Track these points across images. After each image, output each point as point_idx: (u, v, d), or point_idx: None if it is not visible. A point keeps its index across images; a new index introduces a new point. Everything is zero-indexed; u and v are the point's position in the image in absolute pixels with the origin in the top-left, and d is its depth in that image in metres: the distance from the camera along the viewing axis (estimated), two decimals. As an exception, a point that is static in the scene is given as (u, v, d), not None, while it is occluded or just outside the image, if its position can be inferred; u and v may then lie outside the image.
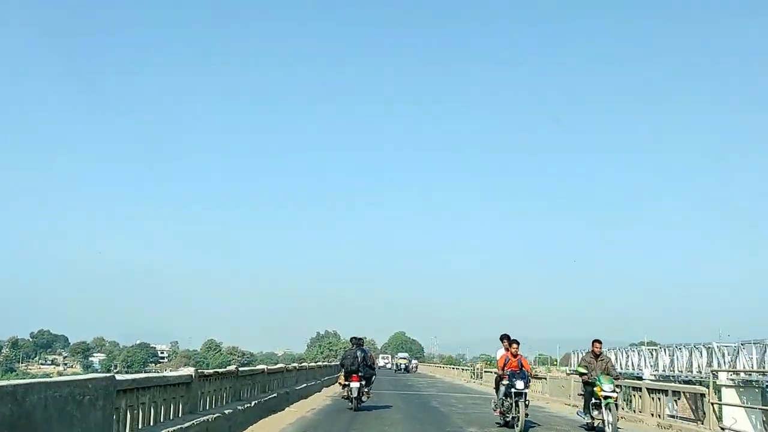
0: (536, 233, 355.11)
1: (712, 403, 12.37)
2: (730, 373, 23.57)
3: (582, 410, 12.91)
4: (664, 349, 31.83)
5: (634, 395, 15.42)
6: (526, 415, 12.23)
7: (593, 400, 12.33)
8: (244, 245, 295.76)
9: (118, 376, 7.17)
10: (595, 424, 12.44)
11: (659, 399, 14.21)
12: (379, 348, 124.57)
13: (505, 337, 13.60)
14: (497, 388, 13.45)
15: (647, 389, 14.71)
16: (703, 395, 13.00)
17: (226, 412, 11.06)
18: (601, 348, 12.56)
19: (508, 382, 12.51)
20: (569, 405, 18.41)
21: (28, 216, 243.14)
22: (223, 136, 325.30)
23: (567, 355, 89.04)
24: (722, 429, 12.23)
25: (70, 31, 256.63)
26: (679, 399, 14.50)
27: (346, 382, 15.45)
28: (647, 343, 70.06)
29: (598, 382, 12.14)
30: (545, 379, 24.76)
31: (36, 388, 4.94)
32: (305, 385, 21.70)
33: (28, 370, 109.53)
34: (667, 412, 14.00)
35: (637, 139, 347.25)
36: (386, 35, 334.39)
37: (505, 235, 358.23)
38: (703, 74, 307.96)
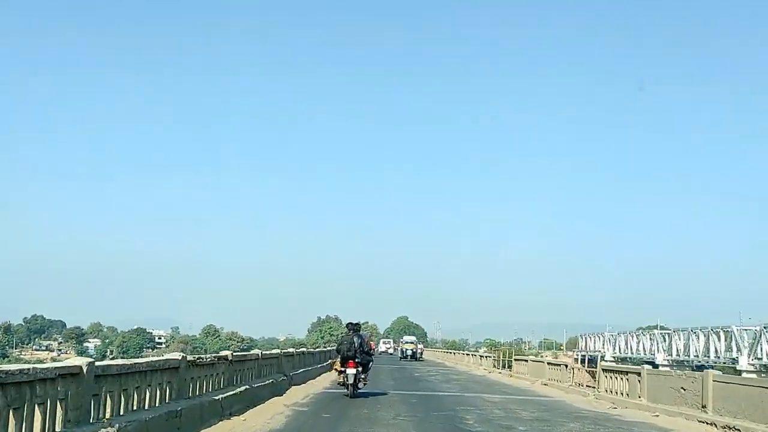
0: (542, 217, 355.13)
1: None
2: (751, 357, 23.08)
3: None
4: (679, 333, 31.30)
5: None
6: None
7: None
8: (247, 231, 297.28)
9: (98, 362, 7.12)
10: None
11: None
12: (382, 333, 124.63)
13: None
14: None
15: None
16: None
17: (217, 398, 10.88)
18: None
19: None
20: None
21: (26, 203, 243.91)
22: (223, 118, 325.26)
23: (574, 340, 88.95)
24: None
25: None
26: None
27: (342, 369, 15.44)
28: (654, 326, 69.58)
29: None
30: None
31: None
32: (303, 370, 21.36)
33: (21, 356, 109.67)
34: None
35: (652, 117, 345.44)
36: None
37: (510, 220, 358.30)
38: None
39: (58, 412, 6.15)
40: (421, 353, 57.56)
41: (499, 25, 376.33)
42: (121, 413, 7.51)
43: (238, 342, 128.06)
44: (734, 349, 25.00)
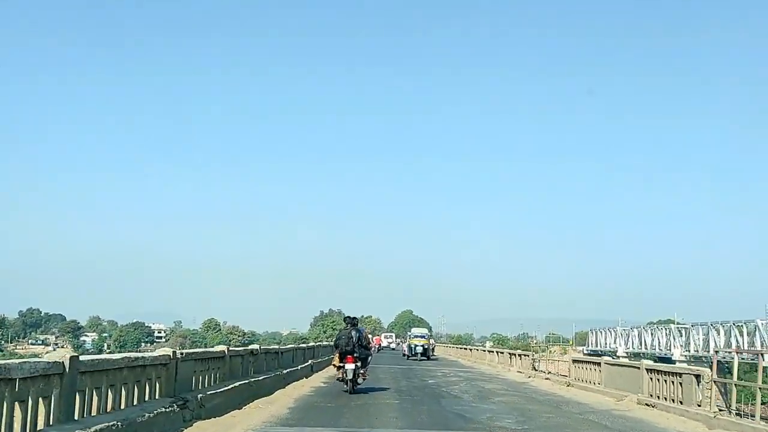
0: (547, 210, 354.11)
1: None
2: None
3: None
4: (698, 328, 30.75)
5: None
6: None
7: None
8: (251, 226, 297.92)
9: (83, 357, 7.01)
10: None
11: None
12: (386, 327, 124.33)
13: None
14: None
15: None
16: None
17: (209, 393, 10.60)
18: None
19: None
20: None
21: (26, 198, 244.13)
22: (222, 108, 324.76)
23: (583, 335, 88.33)
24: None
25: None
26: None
27: (341, 364, 15.42)
28: (667, 321, 68.73)
29: None
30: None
31: None
32: (303, 365, 21.03)
33: (16, 351, 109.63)
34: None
35: (662, 107, 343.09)
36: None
37: (517, 214, 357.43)
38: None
39: (40, 410, 6.02)
40: (433, 350, 46.17)
41: (496, 23, 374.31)
42: (108, 410, 7.40)
43: (239, 336, 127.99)
44: (758, 343, 24.42)
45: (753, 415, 10.94)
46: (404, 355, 43.92)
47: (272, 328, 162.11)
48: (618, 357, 35.93)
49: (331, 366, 17.54)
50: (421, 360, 38.54)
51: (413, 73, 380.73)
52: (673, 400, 13.24)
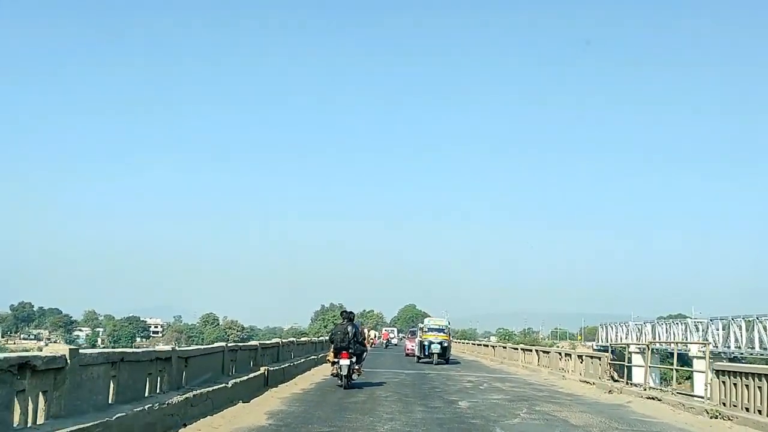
0: (549, 206, 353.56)
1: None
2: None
3: None
4: (717, 322, 30.20)
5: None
6: None
7: None
8: (254, 221, 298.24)
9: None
10: None
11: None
12: (389, 322, 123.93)
13: None
14: None
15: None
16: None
17: (198, 392, 9.74)
18: None
19: None
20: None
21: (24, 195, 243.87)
22: (222, 101, 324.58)
23: (592, 329, 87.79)
24: None
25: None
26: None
27: (336, 359, 15.49)
28: (677, 316, 67.87)
29: None
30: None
31: None
32: (300, 361, 20.35)
33: (6, 346, 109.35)
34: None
35: (672, 97, 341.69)
36: None
37: (523, 207, 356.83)
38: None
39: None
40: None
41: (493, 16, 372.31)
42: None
43: (237, 331, 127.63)
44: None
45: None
46: (408, 355, 35.50)
47: (274, 323, 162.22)
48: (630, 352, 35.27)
49: (326, 361, 17.49)
50: (441, 363, 28.22)
51: (420, 64, 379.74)
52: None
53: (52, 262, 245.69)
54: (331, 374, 16.14)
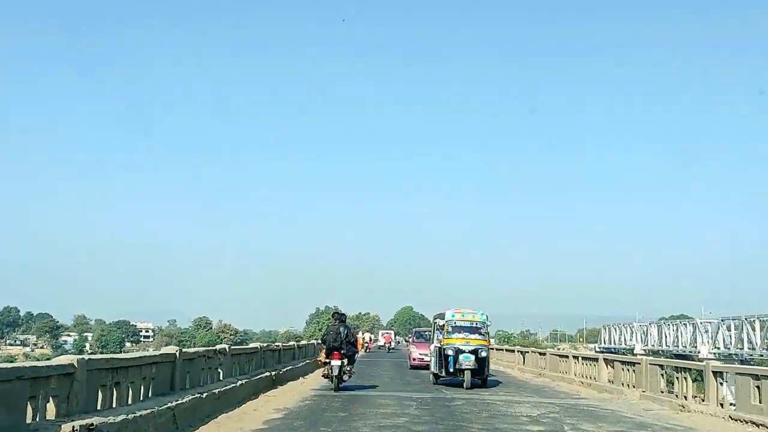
0: (551, 206, 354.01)
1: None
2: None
3: None
4: (729, 322, 29.63)
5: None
6: None
7: None
8: (249, 223, 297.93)
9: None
10: None
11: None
12: (385, 325, 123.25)
13: None
14: None
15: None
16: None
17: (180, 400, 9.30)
18: None
19: None
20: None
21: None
22: (216, 102, 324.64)
23: (594, 331, 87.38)
24: None
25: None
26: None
27: (327, 360, 15.77)
28: (680, 316, 67.15)
29: None
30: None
31: None
32: (291, 366, 19.45)
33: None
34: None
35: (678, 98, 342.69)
36: None
37: (519, 207, 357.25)
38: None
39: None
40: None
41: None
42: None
43: (231, 335, 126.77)
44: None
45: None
46: (414, 367, 26.21)
47: (270, 326, 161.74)
48: (634, 354, 34.80)
49: (317, 361, 17.70)
50: (470, 387, 17.74)
51: (415, 72, 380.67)
52: None
53: (43, 266, 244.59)
54: (322, 375, 16.38)
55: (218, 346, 13.43)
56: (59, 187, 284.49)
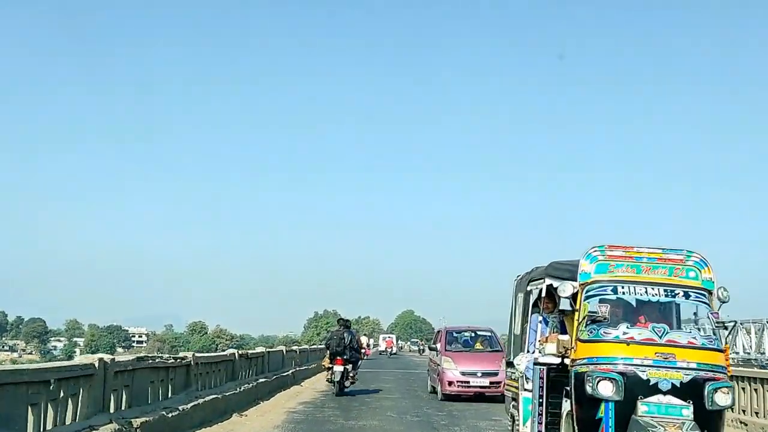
0: (549, 209, 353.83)
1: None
2: None
3: None
4: (749, 326, 28.80)
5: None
6: None
7: None
8: (248, 228, 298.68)
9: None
10: None
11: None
12: (385, 329, 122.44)
13: None
14: None
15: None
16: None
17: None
18: None
19: None
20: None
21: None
22: (212, 105, 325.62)
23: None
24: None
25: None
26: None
27: (331, 365, 16.28)
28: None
29: None
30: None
31: None
32: (281, 375, 17.99)
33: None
34: None
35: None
36: None
37: (522, 210, 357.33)
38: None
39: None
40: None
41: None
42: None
43: (226, 340, 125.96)
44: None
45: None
46: (448, 396, 15.51)
47: (270, 331, 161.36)
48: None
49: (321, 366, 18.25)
50: None
51: (410, 77, 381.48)
52: None
53: (38, 271, 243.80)
54: (326, 380, 17.04)
55: (164, 355, 11.52)
56: (59, 190, 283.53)
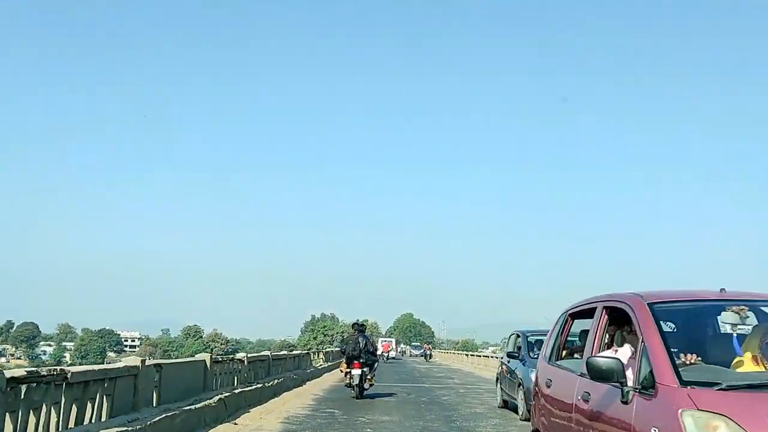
0: (552, 212, 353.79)
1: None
2: None
3: None
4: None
5: None
6: None
7: None
8: (247, 231, 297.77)
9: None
10: None
11: None
12: (384, 333, 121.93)
13: None
14: None
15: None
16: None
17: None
18: None
19: None
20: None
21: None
22: (211, 109, 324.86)
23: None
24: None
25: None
26: None
27: (348, 369, 16.71)
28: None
29: None
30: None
31: None
32: (276, 381, 17.44)
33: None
34: None
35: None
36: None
37: (522, 213, 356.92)
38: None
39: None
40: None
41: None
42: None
43: (222, 344, 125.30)
44: None
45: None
46: None
47: (267, 335, 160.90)
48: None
49: (339, 371, 18.43)
50: None
51: (418, 75, 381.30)
52: None
53: (33, 275, 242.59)
54: (345, 384, 17.30)
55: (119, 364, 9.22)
56: (58, 193, 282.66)
